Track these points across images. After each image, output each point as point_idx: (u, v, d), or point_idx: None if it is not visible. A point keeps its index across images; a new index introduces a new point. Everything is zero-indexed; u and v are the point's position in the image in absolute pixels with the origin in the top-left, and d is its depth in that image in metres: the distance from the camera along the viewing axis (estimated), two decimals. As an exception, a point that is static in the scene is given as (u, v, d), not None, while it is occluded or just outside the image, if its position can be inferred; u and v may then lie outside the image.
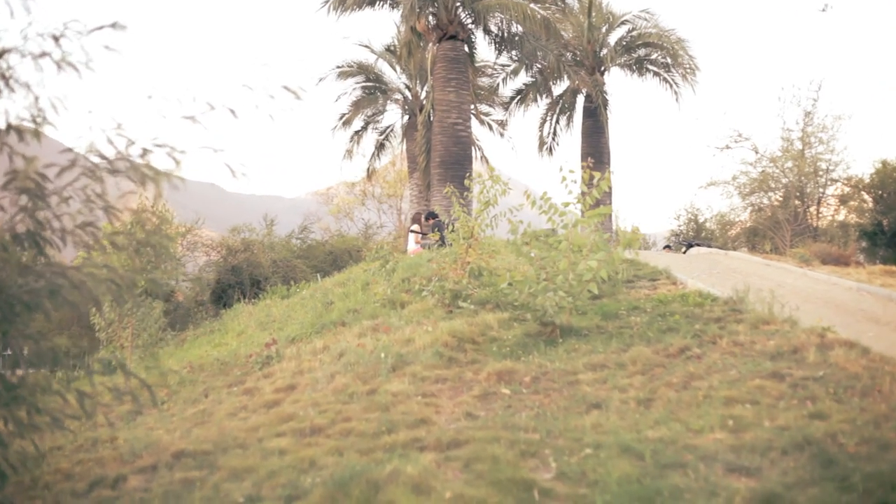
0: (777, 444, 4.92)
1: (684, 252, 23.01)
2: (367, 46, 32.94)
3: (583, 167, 9.30)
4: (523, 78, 33.42)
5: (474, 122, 31.42)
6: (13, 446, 5.02)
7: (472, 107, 29.72)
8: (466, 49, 26.41)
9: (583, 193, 9.26)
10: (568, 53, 31.76)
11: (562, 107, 34.44)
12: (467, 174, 15.84)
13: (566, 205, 9.29)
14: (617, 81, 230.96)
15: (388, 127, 35.50)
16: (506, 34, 27.43)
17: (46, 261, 4.35)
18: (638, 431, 5.43)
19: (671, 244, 30.07)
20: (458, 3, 25.38)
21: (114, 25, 4.38)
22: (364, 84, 33.73)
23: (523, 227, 9.86)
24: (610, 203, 29.59)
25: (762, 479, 4.50)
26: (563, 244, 9.18)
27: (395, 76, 34.12)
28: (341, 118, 33.76)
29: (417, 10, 24.47)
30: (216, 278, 26.44)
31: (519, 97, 33.79)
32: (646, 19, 31.85)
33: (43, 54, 4.40)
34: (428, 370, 7.77)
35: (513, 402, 6.63)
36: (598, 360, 7.55)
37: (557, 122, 34.63)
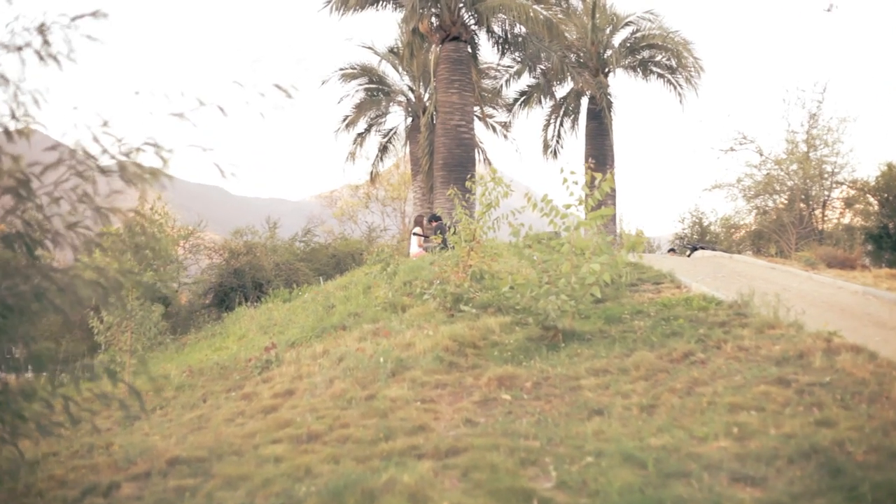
0: (783, 452, 4.80)
1: (688, 255, 22.90)
2: (370, 48, 32.91)
3: (585, 168, 9.21)
4: (527, 80, 33.44)
5: (478, 125, 31.35)
6: (4, 453, 4.91)
7: (476, 109, 29.63)
8: (469, 50, 26.33)
9: (585, 195, 9.15)
10: (572, 55, 31.67)
11: (566, 109, 34.36)
12: (470, 176, 15.75)
13: (567, 207, 9.17)
14: (621, 83, 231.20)
15: (391, 129, 35.48)
16: (509, 35, 27.36)
17: (33, 263, 4.23)
18: (640, 439, 5.32)
19: (675, 247, 29.97)
20: (461, 4, 25.32)
21: (94, 14, 4.26)
22: (367, 86, 33.68)
23: (525, 229, 9.76)
24: (613, 205, 29.44)
25: (768, 489, 4.39)
26: (566, 247, 9.07)
27: (398, 78, 34.13)
28: (344, 120, 33.74)
29: (420, 11, 24.41)
30: (218, 281, 26.33)
31: (523, 99, 33.75)
32: (650, 20, 31.79)
33: (24, 45, 4.29)
34: (428, 375, 7.67)
35: (513, 409, 6.53)
36: (600, 365, 7.44)
37: (561, 124, 34.57)
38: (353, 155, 34.72)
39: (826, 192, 28.65)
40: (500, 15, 25.53)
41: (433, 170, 26.52)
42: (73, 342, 20.97)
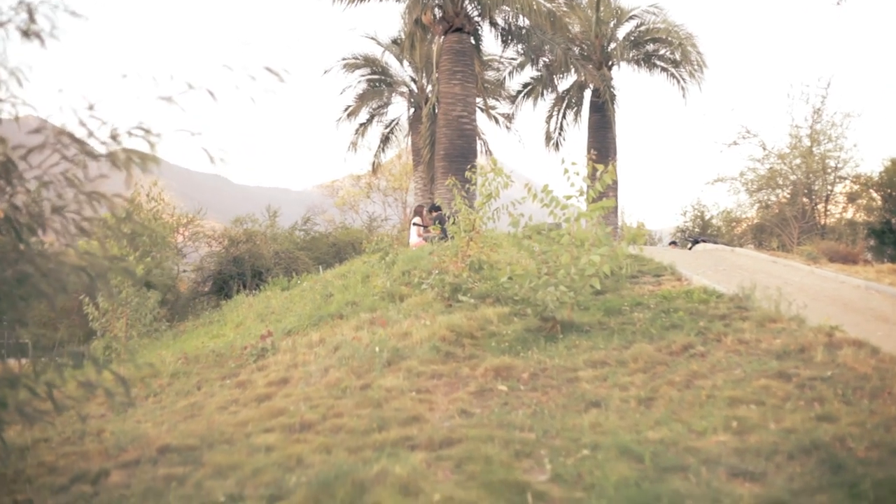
0: (783, 447, 4.71)
1: (690, 248, 22.83)
2: (373, 38, 32.81)
3: (587, 159, 9.11)
4: (530, 72, 33.30)
5: (480, 116, 31.24)
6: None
7: (479, 100, 29.51)
8: (472, 42, 26.20)
9: (586, 186, 9.05)
10: (575, 48, 31.54)
11: (568, 101, 34.25)
12: (471, 167, 15.65)
13: (568, 198, 9.08)
14: (624, 77, 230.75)
15: (393, 120, 35.41)
16: (512, 27, 27.20)
17: (17, 247, 4.12)
18: (638, 432, 5.23)
19: (677, 240, 29.92)
20: (464, -5, 25.17)
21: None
22: (369, 77, 33.60)
23: (525, 220, 9.67)
24: (615, 197, 29.33)
25: (767, 485, 4.30)
26: (566, 238, 8.98)
27: (400, 69, 34.01)
28: (346, 110, 33.66)
29: (423, 1, 24.29)
30: (217, 269, 26.27)
31: (525, 91, 33.63)
32: (654, 14, 31.63)
33: (6, 22, 4.18)
34: (424, 365, 7.60)
35: (510, 400, 6.45)
36: (598, 357, 7.37)
37: (564, 116, 34.46)
38: (354, 145, 34.64)
39: (829, 187, 28.54)
40: (503, 7, 25.41)
41: (434, 160, 26.41)
42: (70, 328, 20.92)
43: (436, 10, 25.29)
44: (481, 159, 29.59)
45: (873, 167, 41.99)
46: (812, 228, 27.42)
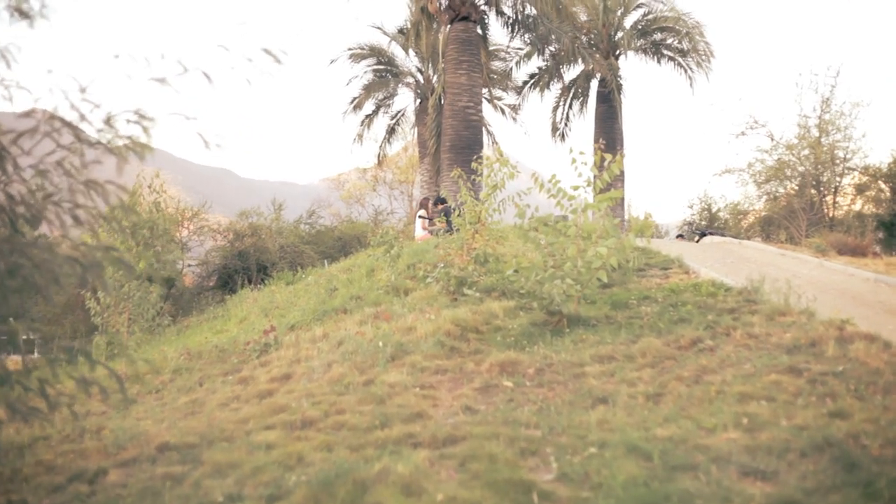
0: (795, 444, 4.58)
1: (697, 241, 22.69)
2: (379, 28, 32.69)
3: (595, 149, 8.98)
4: (537, 62, 33.19)
5: (487, 107, 31.12)
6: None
7: (485, 91, 29.38)
8: (479, 31, 26.09)
9: (594, 176, 8.92)
10: (582, 37, 31.39)
11: (575, 91, 34.13)
12: (476, 158, 15.58)
13: (575, 188, 8.95)
14: (632, 66, 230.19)
15: (399, 111, 35.32)
16: (519, 16, 27.07)
17: (10, 238, 4.00)
18: (646, 429, 5.11)
19: (684, 233, 29.77)
20: (471, -16, 25.03)
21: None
22: (375, 67, 33.47)
23: (531, 211, 9.54)
24: (622, 188, 29.19)
25: (779, 484, 4.18)
26: (572, 229, 8.86)
27: (406, 59, 33.89)
28: (352, 102, 33.53)
29: (430, -10, 24.16)
30: (222, 263, 26.22)
31: (532, 81, 33.50)
32: (662, 2, 31.54)
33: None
34: (428, 360, 7.51)
35: (515, 396, 6.35)
36: (605, 352, 7.26)
37: (570, 106, 34.34)
38: (360, 137, 34.57)
39: (838, 178, 28.34)
40: (510, -6, 25.28)
41: (440, 152, 26.31)
42: (74, 324, 20.88)
43: (442, -2, 25.16)
44: (487, 151, 29.48)
45: (882, 158, 41.65)
46: (820, 221, 27.24)
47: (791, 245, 20.96)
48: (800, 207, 27.66)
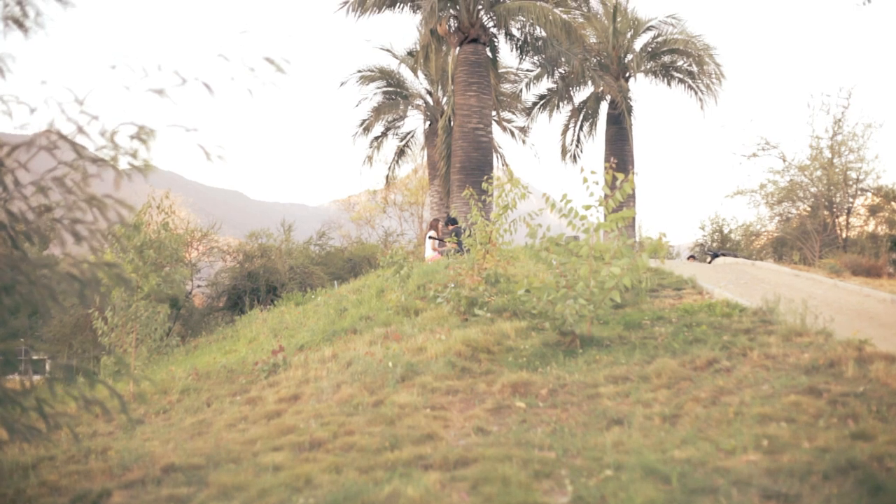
0: (818, 467, 4.45)
1: (709, 262, 22.54)
2: (388, 50, 32.67)
3: (606, 168, 8.88)
4: (546, 84, 33.14)
5: (496, 129, 31.06)
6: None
7: (494, 113, 29.36)
8: (488, 53, 26.09)
9: (605, 196, 8.82)
10: (592, 59, 31.38)
11: (585, 113, 34.07)
12: (487, 178, 15.51)
13: (587, 207, 8.85)
14: (642, 88, 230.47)
15: (408, 133, 35.27)
16: (528, 38, 27.09)
17: (7, 255, 3.90)
18: (663, 451, 4.99)
19: (695, 254, 29.60)
20: (480, 7, 25.09)
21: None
22: (385, 89, 33.46)
23: (542, 230, 9.44)
24: (633, 207, 29.06)
25: (802, 508, 4.04)
26: (585, 249, 8.76)
27: (416, 81, 33.86)
28: (362, 124, 33.52)
29: (438, 12, 24.18)
30: (232, 284, 26.20)
31: (542, 103, 33.45)
32: (672, 25, 31.46)
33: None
34: (439, 381, 7.42)
35: (528, 417, 6.24)
36: (620, 373, 7.15)
37: (581, 128, 34.26)
38: (370, 159, 34.51)
39: (850, 200, 28.16)
40: (519, 17, 25.34)
41: (450, 173, 26.24)
42: (83, 344, 20.85)
43: (451, 20, 25.23)
44: (497, 173, 29.41)
45: (895, 179, 41.35)
46: (833, 241, 27.05)
47: (805, 266, 20.79)
48: (813, 229, 27.48)
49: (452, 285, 11.04)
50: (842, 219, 28.06)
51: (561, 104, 33.46)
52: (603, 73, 31.03)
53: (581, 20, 26.60)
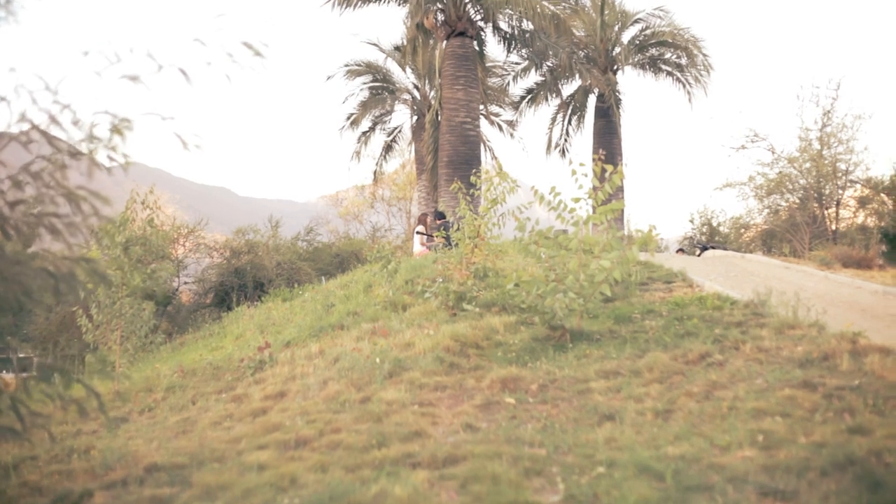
0: (815, 463, 4.35)
1: (698, 255, 22.50)
2: (374, 45, 32.56)
3: (594, 160, 8.78)
4: (534, 78, 33.09)
5: (484, 123, 30.98)
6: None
7: (482, 107, 29.26)
8: (476, 46, 25.99)
9: (594, 188, 8.72)
10: (580, 52, 31.32)
11: (573, 107, 34.06)
12: (475, 171, 15.40)
13: (576, 200, 8.74)
14: (630, 81, 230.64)
15: (396, 128, 35.21)
16: (516, 31, 27.01)
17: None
18: (656, 447, 4.88)
19: (684, 247, 29.58)
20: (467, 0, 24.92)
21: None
22: (372, 84, 33.35)
23: (531, 224, 9.34)
24: (622, 200, 29.04)
25: (800, 504, 3.95)
26: (574, 242, 8.65)
27: (403, 76, 33.77)
28: (349, 119, 33.40)
29: (425, 5, 24.06)
30: (219, 281, 26.06)
31: (530, 97, 33.39)
32: (660, 17, 31.47)
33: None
34: (427, 377, 7.31)
35: (518, 413, 6.14)
36: (611, 367, 7.05)
37: (569, 122, 34.25)
38: (358, 154, 34.44)
39: (840, 191, 28.16)
40: (506, 10, 25.23)
41: (438, 167, 26.13)
42: (69, 341, 20.72)
43: (438, 13, 25.11)
44: (486, 166, 29.32)
45: (884, 170, 41.51)
46: (823, 234, 27.06)
47: (795, 258, 20.77)
48: (802, 221, 27.48)
49: (441, 280, 10.95)
50: (831, 210, 28.08)
51: (549, 97, 33.42)
52: (591, 66, 30.99)
53: (569, 12, 26.50)
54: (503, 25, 26.91)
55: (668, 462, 4.55)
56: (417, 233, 19.47)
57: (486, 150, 32.29)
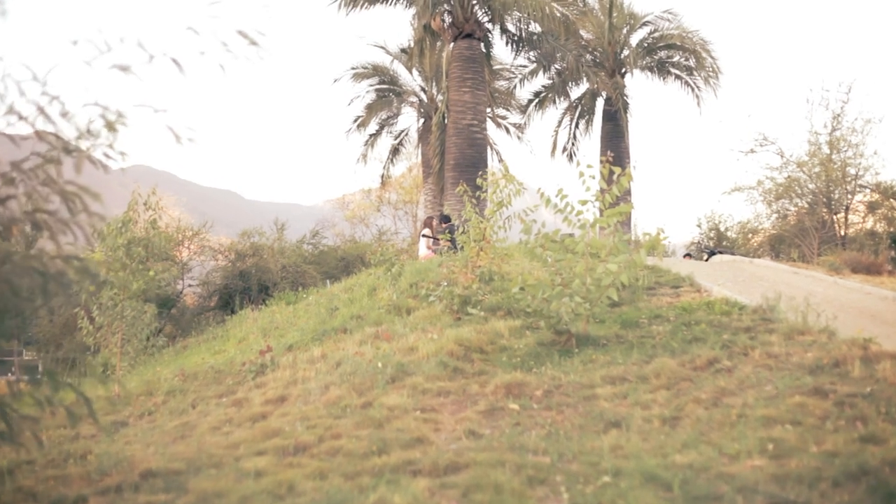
0: (827, 472, 4.22)
1: (706, 259, 22.36)
2: (381, 47, 32.55)
3: (602, 162, 8.66)
4: (541, 81, 33.00)
5: (491, 126, 30.89)
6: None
7: (489, 109, 29.17)
8: (483, 48, 25.92)
9: (601, 190, 8.60)
10: (588, 55, 31.23)
11: (581, 110, 33.96)
12: (481, 174, 15.30)
13: (583, 202, 8.63)
14: (638, 84, 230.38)
15: (402, 131, 35.18)
16: (524, 33, 26.95)
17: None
18: (664, 456, 4.76)
19: (692, 252, 29.44)
20: (475, 1, 24.89)
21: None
22: (378, 86, 33.33)
23: (537, 227, 9.22)
24: (630, 202, 28.94)
25: (812, 517, 3.82)
26: (581, 246, 8.53)
27: (410, 78, 33.73)
28: (356, 121, 33.36)
29: (432, 7, 23.98)
30: (223, 283, 26.02)
31: (537, 100, 33.29)
32: (668, 20, 31.32)
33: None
34: (430, 382, 7.21)
35: (522, 419, 6.03)
36: (617, 373, 6.94)
37: (577, 126, 34.17)
38: (364, 157, 34.43)
39: (849, 196, 27.96)
40: (514, 12, 25.18)
41: (444, 170, 26.06)
42: (72, 344, 20.67)
43: (445, 15, 25.04)
44: (493, 169, 29.25)
45: (894, 175, 41.32)
46: (832, 239, 26.87)
47: (803, 263, 20.61)
48: (811, 226, 27.30)
49: (445, 283, 10.85)
50: (840, 216, 27.89)
51: (556, 101, 33.33)
52: (598, 69, 30.89)
53: (577, 15, 26.40)
54: (511, 27, 26.87)
55: (675, 471, 4.43)
56: (423, 236, 19.41)
57: (492, 153, 32.26)
